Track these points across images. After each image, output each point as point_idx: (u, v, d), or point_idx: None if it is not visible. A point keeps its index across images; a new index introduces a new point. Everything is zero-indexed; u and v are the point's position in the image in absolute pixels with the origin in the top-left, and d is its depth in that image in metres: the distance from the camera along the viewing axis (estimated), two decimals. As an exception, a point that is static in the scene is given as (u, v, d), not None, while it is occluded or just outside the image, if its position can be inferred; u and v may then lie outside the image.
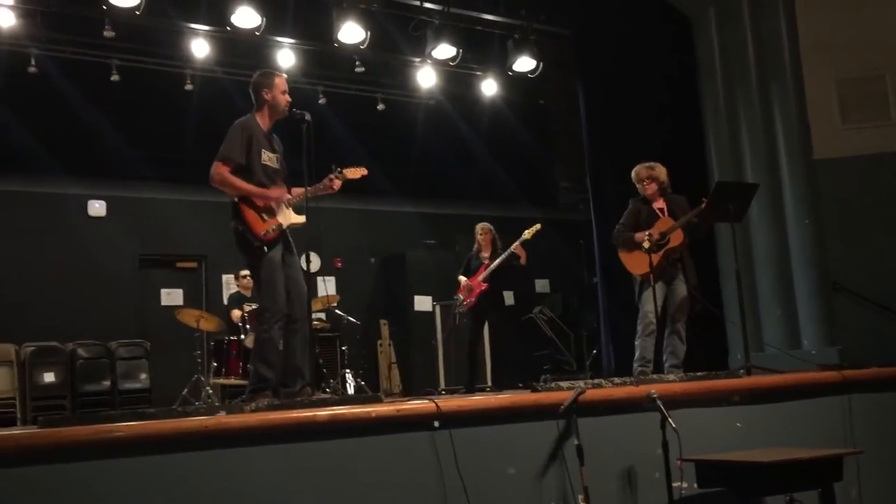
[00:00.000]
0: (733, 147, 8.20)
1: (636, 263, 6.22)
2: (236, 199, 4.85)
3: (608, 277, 8.68)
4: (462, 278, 8.02)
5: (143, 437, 3.28)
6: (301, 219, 5.02)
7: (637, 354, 6.08)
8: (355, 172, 5.19)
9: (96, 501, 3.14)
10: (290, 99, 5.03)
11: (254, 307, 7.62)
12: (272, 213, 4.89)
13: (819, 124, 7.45)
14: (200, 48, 8.55)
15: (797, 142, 7.60)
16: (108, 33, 8.01)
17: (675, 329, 6.08)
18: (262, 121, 5.01)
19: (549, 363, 9.96)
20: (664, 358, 6.08)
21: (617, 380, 4.59)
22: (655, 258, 6.01)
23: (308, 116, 4.92)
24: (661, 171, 6.36)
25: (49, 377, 8.42)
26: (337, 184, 5.10)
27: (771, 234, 7.81)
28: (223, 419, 3.55)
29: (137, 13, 7.41)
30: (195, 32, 8.48)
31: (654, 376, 5.30)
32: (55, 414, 7.31)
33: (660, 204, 6.31)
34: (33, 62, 8.56)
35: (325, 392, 7.13)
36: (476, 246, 8.08)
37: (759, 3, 7.98)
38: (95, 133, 9.10)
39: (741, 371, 5.34)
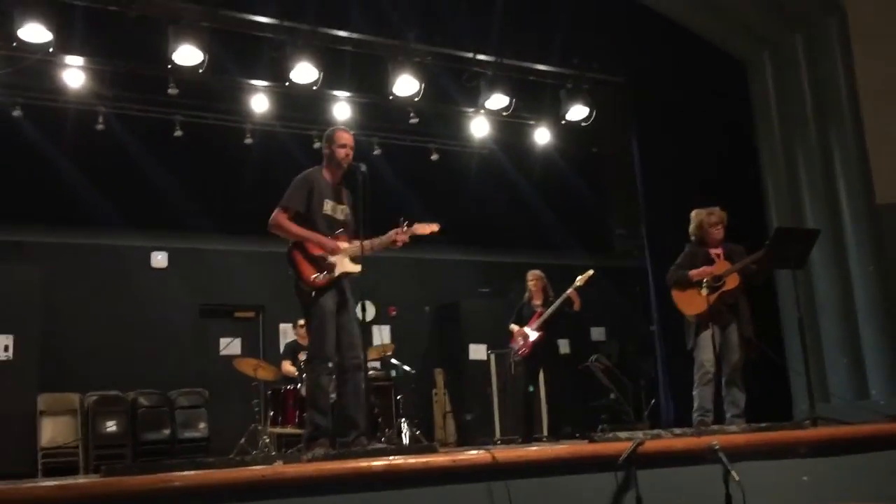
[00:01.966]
0: (792, 193, 8.09)
1: (689, 303, 6.12)
2: (290, 246, 4.95)
3: (665, 325, 8.55)
4: (514, 326, 7.98)
5: (201, 487, 3.31)
6: (356, 268, 5.02)
7: (696, 404, 5.95)
8: (425, 228, 5.18)
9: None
10: (349, 153, 5.11)
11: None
12: (325, 261, 4.94)
13: (880, 168, 7.31)
14: (260, 103, 8.80)
15: (858, 186, 7.47)
16: (172, 90, 8.30)
17: (733, 378, 5.94)
18: (328, 173, 5.13)
19: (607, 413, 9.79)
20: (725, 408, 5.93)
21: (677, 430, 4.48)
22: (709, 299, 5.91)
23: (363, 167, 5.01)
24: (724, 216, 6.28)
25: (111, 426, 8.57)
26: (402, 239, 5.09)
27: (834, 280, 7.64)
28: (280, 469, 3.56)
29: (200, 71, 7.66)
30: (255, 88, 8.74)
31: (715, 427, 5.17)
32: (116, 462, 7.44)
33: (717, 250, 6.22)
34: (101, 119, 8.89)
35: (380, 442, 7.11)
36: (528, 294, 8.05)
37: (814, 48, 7.93)
38: (158, 187, 9.36)
39: (807, 422, 5.18)
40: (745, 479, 3.69)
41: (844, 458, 4.39)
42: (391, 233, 5.10)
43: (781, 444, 4.33)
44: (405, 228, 5.12)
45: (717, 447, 3.78)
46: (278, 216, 4.94)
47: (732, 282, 5.97)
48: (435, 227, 5.23)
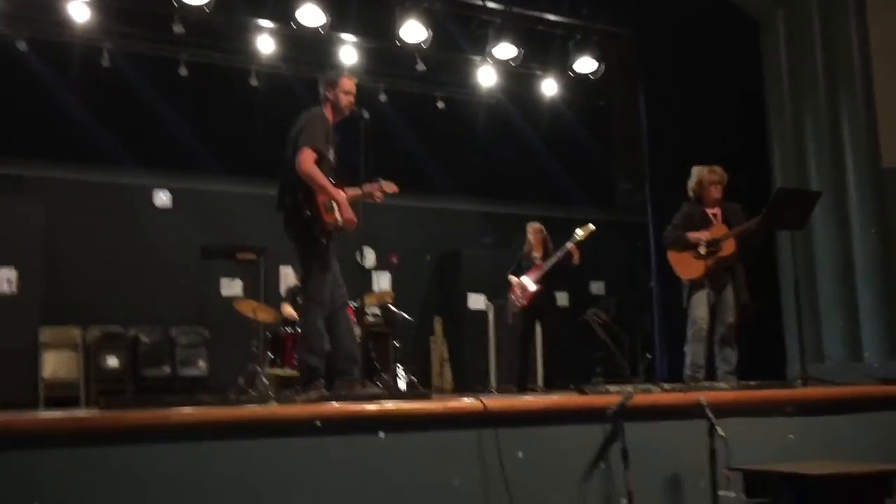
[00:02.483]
0: (798, 153, 8.05)
1: (684, 267, 6.15)
2: (304, 188, 4.88)
3: (664, 282, 8.58)
4: (513, 278, 8.02)
5: (196, 423, 3.38)
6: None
7: (687, 360, 6.01)
8: (390, 188, 5.32)
9: (151, 482, 3.24)
10: (353, 100, 5.10)
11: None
12: (332, 207, 4.96)
13: (889, 132, 7.27)
14: (266, 44, 8.73)
15: (865, 149, 7.43)
16: (177, 28, 8.23)
17: (726, 336, 5.98)
18: (329, 116, 5.11)
19: (603, 366, 9.89)
20: (716, 364, 6.00)
21: (666, 385, 4.56)
22: (703, 264, 5.94)
23: (366, 114, 5.00)
24: (724, 176, 6.26)
25: (112, 362, 8.69)
26: (379, 196, 5.25)
27: (834, 243, 7.64)
28: (274, 409, 3.64)
29: (207, 10, 7.59)
30: (261, 29, 8.66)
31: (706, 383, 5.24)
32: (117, 397, 7.56)
33: (714, 210, 6.21)
34: (106, 55, 8.83)
35: (376, 386, 7.21)
36: (527, 246, 8.07)
37: (829, 7, 7.82)
38: (163, 126, 9.33)
39: (797, 381, 5.24)
40: (731, 435, 3.76)
41: (830, 417, 4.47)
42: (370, 187, 5.21)
43: (768, 402, 4.40)
44: (380, 186, 5.23)
45: (703, 403, 3.84)
46: (309, 157, 4.79)
47: (729, 247, 5.98)
48: (395, 188, 5.35)
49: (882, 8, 7.30)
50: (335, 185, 5.03)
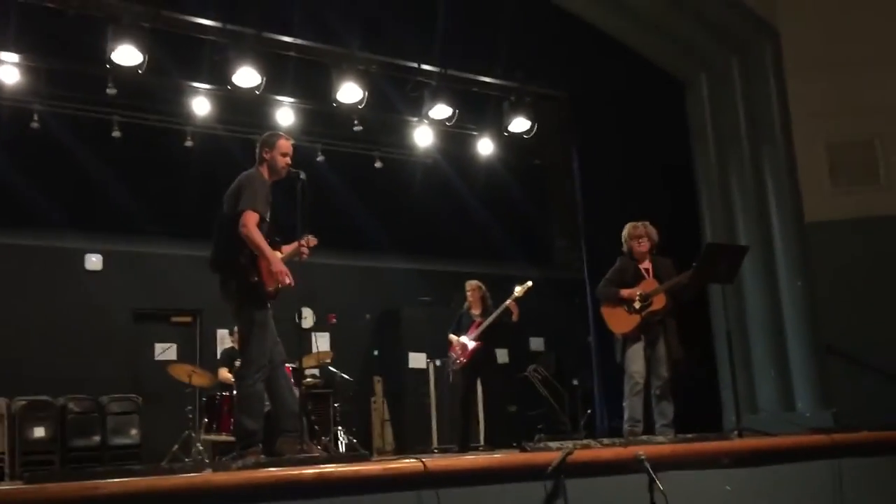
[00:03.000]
0: (725, 209, 8.30)
1: (617, 321, 6.27)
2: (248, 252, 4.86)
3: (602, 337, 8.66)
4: (453, 336, 8.02)
5: (128, 495, 3.27)
6: None
7: (626, 415, 6.07)
8: (311, 241, 5.30)
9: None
10: (289, 161, 5.12)
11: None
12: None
13: (810, 188, 7.56)
14: (201, 106, 8.71)
15: (788, 204, 7.71)
16: (110, 91, 8.16)
17: (662, 390, 6.07)
18: (265, 177, 5.10)
19: (544, 422, 9.90)
20: (654, 418, 6.06)
21: (606, 440, 4.58)
22: (636, 319, 6.06)
23: (303, 175, 5.02)
24: (653, 231, 6.43)
25: (39, 432, 8.34)
26: (306, 252, 5.23)
27: (764, 296, 7.85)
28: (210, 476, 3.54)
29: (140, 72, 7.55)
30: (196, 91, 8.64)
31: (644, 437, 5.29)
32: (43, 469, 7.25)
33: (646, 264, 6.36)
34: (36, 118, 8.68)
35: (316, 449, 7.08)
36: (467, 304, 8.11)
37: (750, 71, 8.16)
38: (95, 188, 9.19)
39: (734, 433, 5.33)
40: (670, 488, 3.79)
41: (766, 468, 4.54)
42: (295, 244, 5.22)
43: (705, 454, 4.46)
44: (305, 240, 5.23)
45: (642, 457, 3.87)
46: (252, 219, 4.80)
47: (660, 301, 6.11)
48: (315, 241, 5.34)
49: (800, 69, 7.65)
50: (272, 246, 5.01)
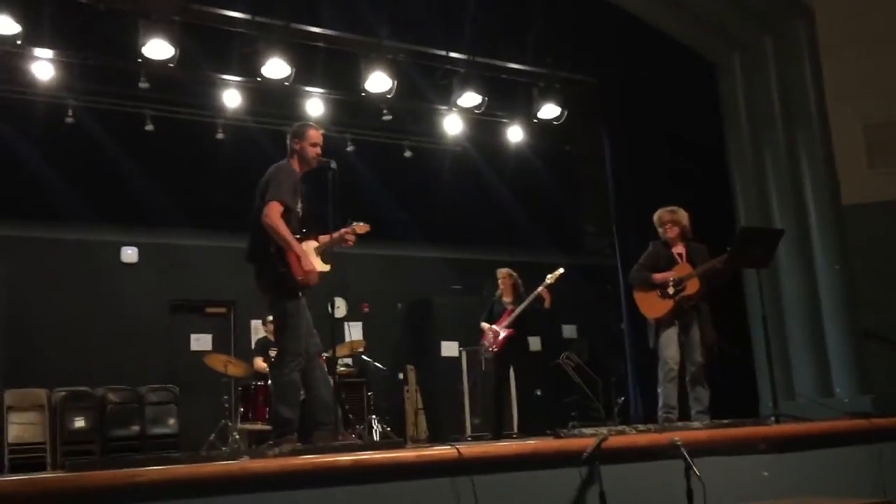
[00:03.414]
0: (760, 193, 8.20)
1: (650, 306, 6.22)
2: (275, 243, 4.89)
3: (635, 323, 8.62)
4: (485, 325, 8.02)
5: (167, 482, 3.30)
6: (327, 267, 5.11)
7: (661, 402, 6.02)
8: (362, 228, 5.31)
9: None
10: (319, 152, 5.13)
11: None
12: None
13: (846, 170, 7.43)
14: (232, 98, 8.76)
15: (825, 187, 7.59)
16: (143, 85, 8.23)
17: (697, 376, 6.01)
18: (297, 168, 5.13)
19: (577, 410, 9.87)
20: (690, 405, 6.01)
21: (641, 427, 4.55)
22: (669, 303, 6.01)
23: (334, 164, 5.03)
24: (683, 216, 6.36)
25: (79, 422, 8.50)
26: (352, 239, 5.23)
27: (800, 280, 7.76)
28: (246, 464, 3.57)
29: (171, 65, 7.61)
30: (226, 83, 8.70)
31: (680, 423, 5.25)
32: (83, 459, 7.37)
33: (679, 249, 6.30)
34: (70, 113, 8.81)
35: (351, 437, 7.14)
36: (499, 291, 8.10)
37: (783, 50, 8.04)
38: (129, 181, 9.30)
39: (771, 419, 5.27)
40: (706, 474, 3.75)
41: (803, 454, 4.49)
42: (342, 231, 5.19)
43: (742, 439, 4.41)
44: (352, 228, 5.23)
45: (678, 443, 3.84)
46: (276, 210, 4.82)
47: (693, 286, 6.04)
48: (367, 228, 5.35)
49: (835, 48, 7.51)
50: (305, 236, 5.04)
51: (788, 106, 7.99)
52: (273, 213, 4.82)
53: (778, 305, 7.84)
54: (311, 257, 4.97)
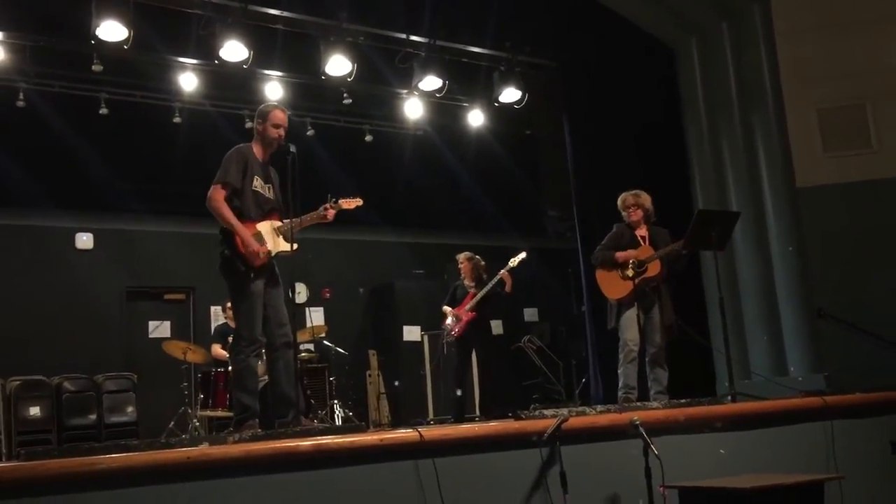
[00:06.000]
0: (717, 176, 8.30)
1: (611, 287, 6.31)
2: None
3: (595, 306, 8.70)
4: (447, 308, 8.04)
5: (126, 469, 3.28)
6: (288, 246, 5.01)
7: (621, 382, 6.11)
8: (350, 203, 5.30)
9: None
10: (282, 133, 5.07)
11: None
12: (261, 240, 4.91)
13: (801, 153, 7.54)
14: (189, 81, 8.61)
15: (779, 170, 7.70)
16: (96, 67, 8.06)
17: (656, 357, 6.12)
18: (257, 150, 5.08)
19: (539, 392, 9.96)
20: (649, 385, 6.11)
21: (600, 407, 4.60)
22: (630, 285, 6.09)
23: (293, 148, 4.98)
24: (646, 199, 6.44)
25: (35, 411, 8.35)
26: (331, 213, 5.19)
27: (755, 261, 7.88)
28: (206, 450, 3.55)
29: (126, 47, 7.46)
30: (183, 66, 8.55)
31: (639, 403, 5.32)
32: (40, 448, 7.25)
33: (642, 232, 6.39)
34: (21, 96, 8.60)
35: (312, 423, 7.11)
36: (461, 275, 8.12)
37: (740, 36, 8.12)
38: (83, 166, 9.12)
39: (727, 398, 5.36)
40: (664, 452, 3.81)
41: (759, 431, 4.58)
42: (320, 209, 5.17)
43: (699, 418, 4.49)
44: (332, 203, 5.20)
45: (637, 422, 3.89)
46: (217, 194, 4.82)
47: (654, 268, 6.14)
48: (359, 202, 5.37)
49: (790, 32, 7.60)
50: (265, 216, 4.98)
51: (744, 90, 8.08)
52: (214, 196, 4.82)
53: (734, 287, 7.96)
54: (266, 237, 4.92)
